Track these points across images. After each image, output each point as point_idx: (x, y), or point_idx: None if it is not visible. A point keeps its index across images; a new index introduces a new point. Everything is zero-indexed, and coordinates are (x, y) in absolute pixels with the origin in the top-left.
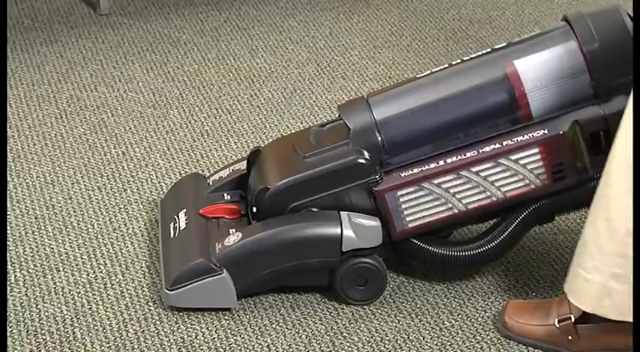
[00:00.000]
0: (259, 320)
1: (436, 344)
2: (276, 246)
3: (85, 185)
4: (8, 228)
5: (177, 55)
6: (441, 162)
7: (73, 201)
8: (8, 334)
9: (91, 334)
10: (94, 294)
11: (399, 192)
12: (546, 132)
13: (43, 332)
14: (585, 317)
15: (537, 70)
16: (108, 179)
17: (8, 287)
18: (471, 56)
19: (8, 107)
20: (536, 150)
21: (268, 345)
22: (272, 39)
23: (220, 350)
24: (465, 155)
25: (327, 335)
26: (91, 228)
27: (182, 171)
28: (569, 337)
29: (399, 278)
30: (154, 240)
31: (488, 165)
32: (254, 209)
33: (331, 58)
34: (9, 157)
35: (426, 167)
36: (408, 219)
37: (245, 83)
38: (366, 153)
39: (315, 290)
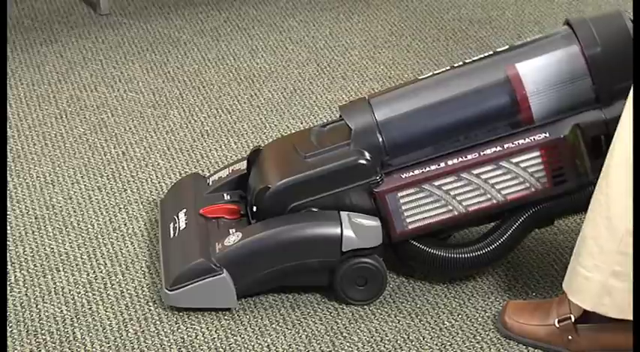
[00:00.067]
0: (259, 320)
1: (436, 344)
2: (276, 246)
3: (85, 185)
4: (8, 228)
5: (177, 55)
6: (442, 164)
7: (73, 201)
8: (8, 334)
9: (91, 334)
10: (94, 294)
11: (400, 194)
12: (547, 135)
13: (43, 332)
14: (585, 317)
15: (539, 73)
16: (108, 179)
17: (8, 287)
18: (473, 58)
19: (8, 107)
20: (537, 153)
21: (268, 345)
22: (272, 39)
23: (220, 350)
24: (465, 157)
25: (327, 335)
26: (91, 228)
27: (182, 171)
28: (569, 337)
29: (399, 278)
30: (154, 240)
31: (489, 167)
32: (254, 208)
33: (331, 58)
34: (9, 157)
35: (427, 169)
36: (408, 220)
37: (245, 83)
38: (367, 154)
39: (315, 290)
